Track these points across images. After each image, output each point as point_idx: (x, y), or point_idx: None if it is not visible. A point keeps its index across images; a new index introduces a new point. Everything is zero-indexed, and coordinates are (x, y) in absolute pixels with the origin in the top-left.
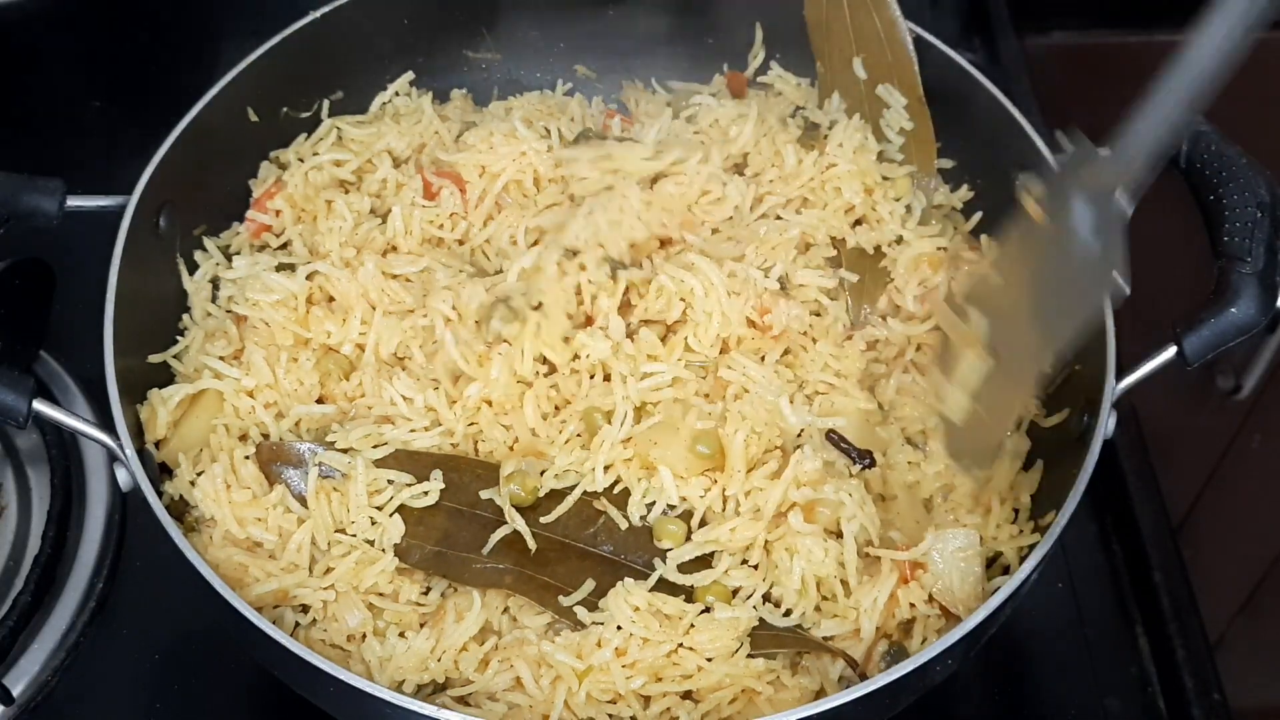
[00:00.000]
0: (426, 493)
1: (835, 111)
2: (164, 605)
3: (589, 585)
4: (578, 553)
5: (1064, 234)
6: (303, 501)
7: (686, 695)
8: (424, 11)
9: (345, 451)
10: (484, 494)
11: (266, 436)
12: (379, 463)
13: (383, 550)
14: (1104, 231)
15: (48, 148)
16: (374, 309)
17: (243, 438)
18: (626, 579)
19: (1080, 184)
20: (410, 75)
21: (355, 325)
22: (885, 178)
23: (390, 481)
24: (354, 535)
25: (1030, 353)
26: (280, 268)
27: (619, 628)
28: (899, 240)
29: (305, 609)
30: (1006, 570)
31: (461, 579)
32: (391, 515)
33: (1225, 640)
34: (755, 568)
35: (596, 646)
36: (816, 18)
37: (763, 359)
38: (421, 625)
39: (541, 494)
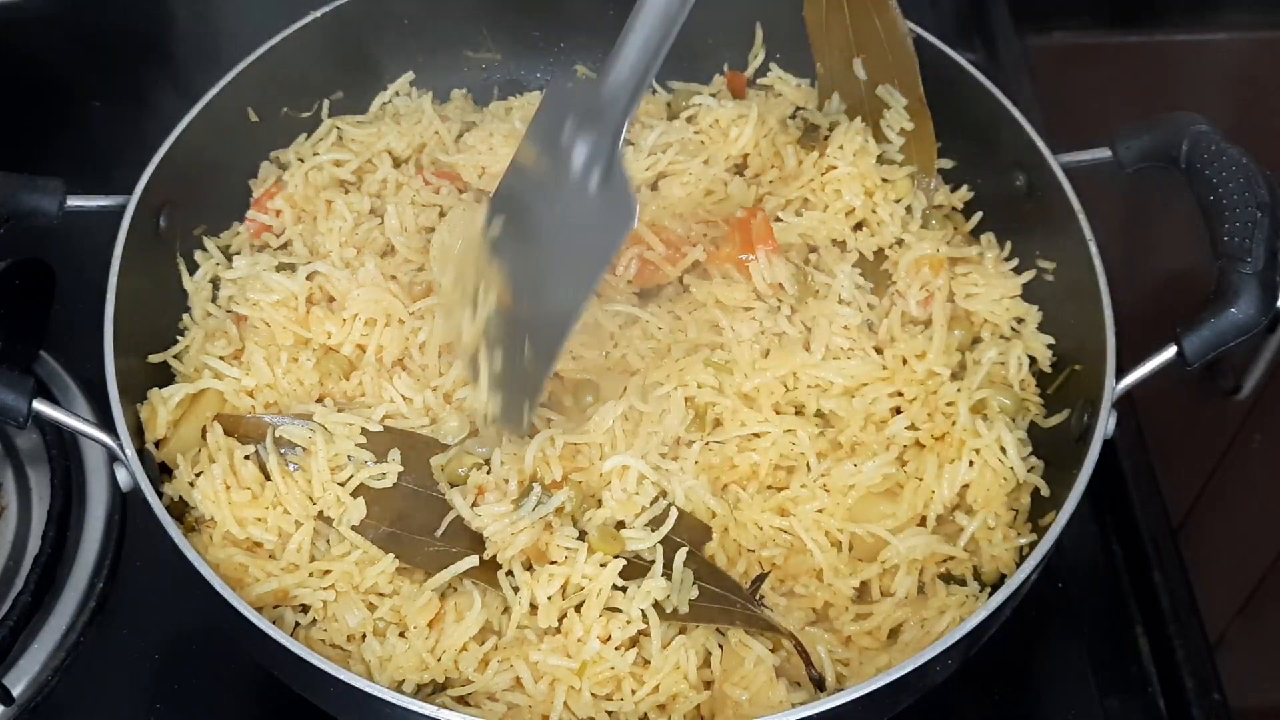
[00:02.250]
0: (385, 475)
1: (835, 113)
2: (164, 605)
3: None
4: None
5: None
6: (264, 472)
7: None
8: (424, 12)
9: (309, 420)
10: (434, 461)
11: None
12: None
13: (336, 527)
14: (605, 167)
15: (48, 148)
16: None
17: (242, 438)
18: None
19: (576, 116)
20: (410, 75)
21: (357, 326)
22: (885, 180)
23: (350, 458)
24: (320, 511)
25: (558, 307)
26: (280, 268)
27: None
28: (899, 243)
29: (305, 609)
30: (1003, 576)
31: (414, 561)
32: (356, 497)
33: (1225, 640)
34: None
35: (579, 642)
36: (816, 19)
37: None
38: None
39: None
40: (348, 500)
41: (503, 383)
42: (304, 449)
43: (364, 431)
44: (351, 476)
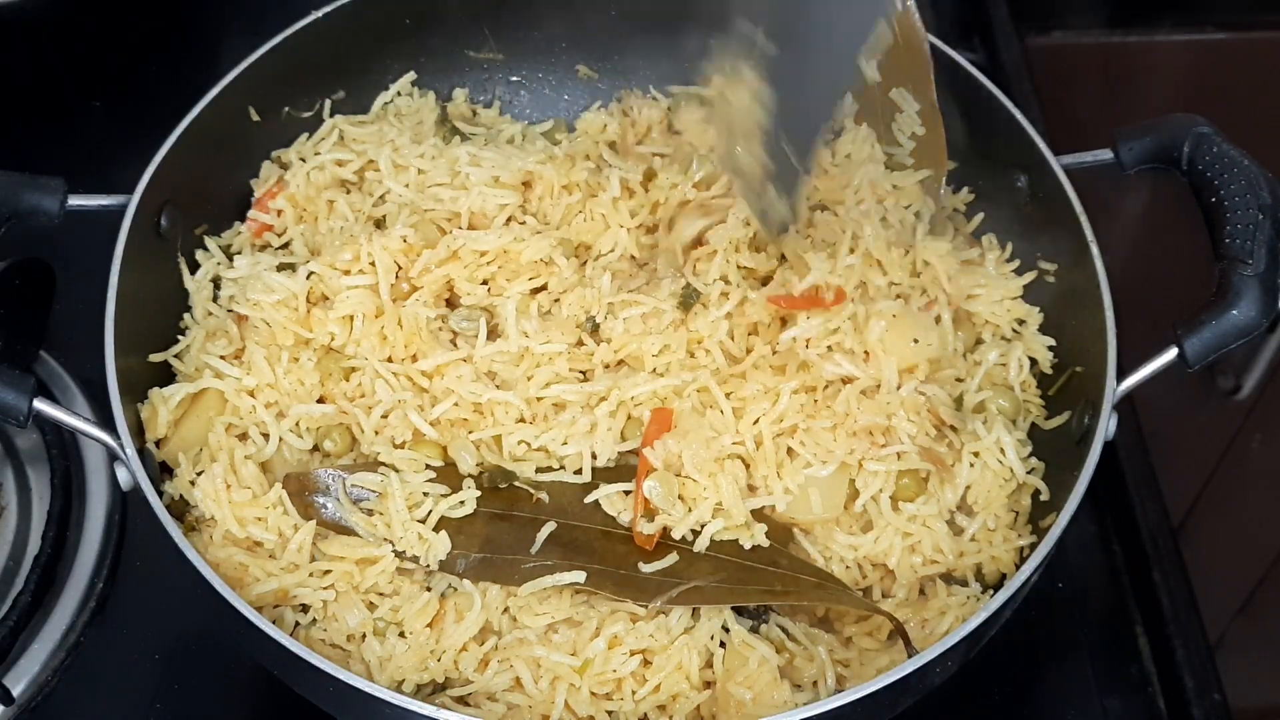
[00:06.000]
0: (463, 502)
1: (845, 116)
2: (164, 605)
3: (671, 560)
4: (621, 538)
5: None
6: (335, 528)
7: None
8: (426, 11)
9: (377, 469)
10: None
11: (266, 436)
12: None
13: (425, 566)
14: None
15: (48, 148)
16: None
17: (243, 437)
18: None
19: None
20: (412, 75)
21: (359, 327)
22: (896, 186)
23: (426, 494)
24: (400, 553)
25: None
26: (281, 267)
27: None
28: (906, 251)
29: (305, 609)
30: (1003, 577)
31: (512, 581)
32: (438, 531)
33: (1225, 640)
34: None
35: (589, 640)
36: None
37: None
38: (429, 626)
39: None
40: (430, 536)
41: (764, 181)
42: (379, 494)
43: (434, 465)
44: (430, 512)
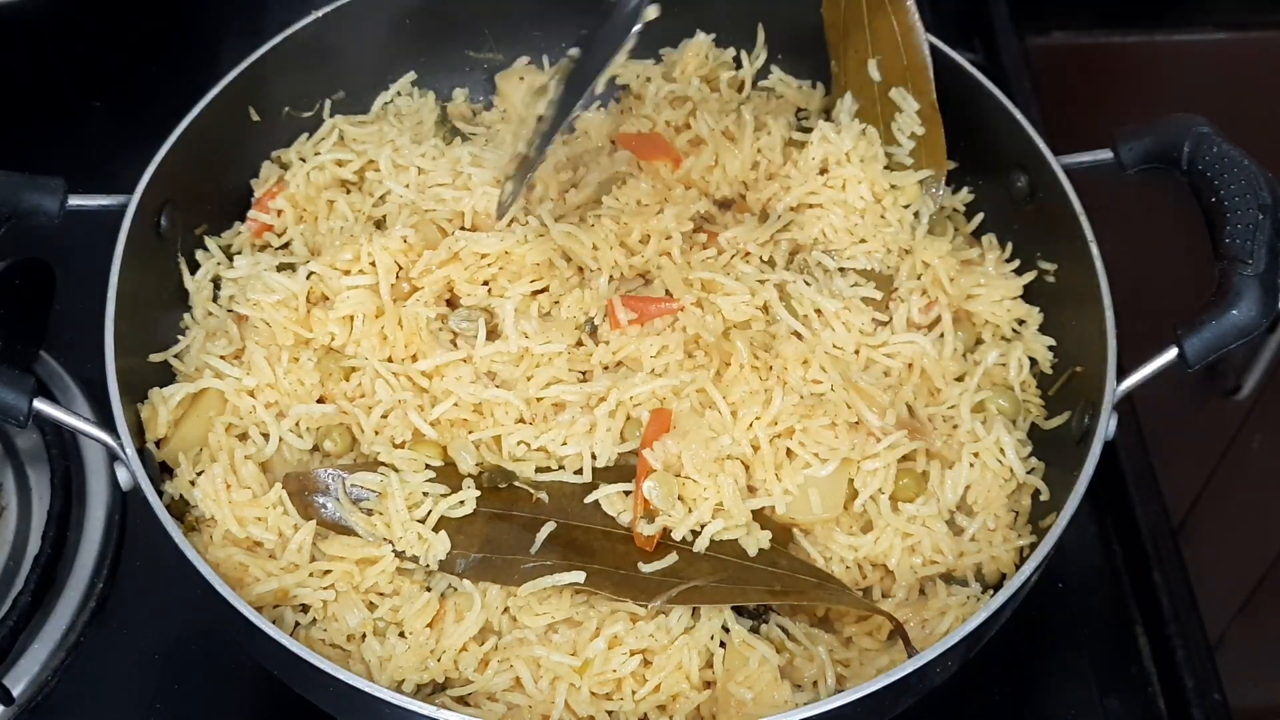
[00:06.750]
0: (463, 502)
1: (845, 115)
2: (164, 605)
3: (670, 560)
4: (621, 538)
5: None
6: (335, 528)
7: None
8: (426, 11)
9: (377, 469)
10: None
11: (266, 436)
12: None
13: (425, 566)
14: None
15: (48, 148)
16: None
17: (243, 437)
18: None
19: None
20: (412, 75)
21: (359, 327)
22: (894, 186)
23: (425, 494)
24: (400, 552)
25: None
26: (281, 267)
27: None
28: (906, 252)
29: (305, 609)
30: (1003, 577)
31: (511, 581)
32: (438, 531)
33: (1225, 640)
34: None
35: (589, 640)
36: (834, 17)
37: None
38: (429, 626)
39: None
40: (430, 536)
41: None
42: (379, 494)
43: (433, 466)
44: (430, 512)
